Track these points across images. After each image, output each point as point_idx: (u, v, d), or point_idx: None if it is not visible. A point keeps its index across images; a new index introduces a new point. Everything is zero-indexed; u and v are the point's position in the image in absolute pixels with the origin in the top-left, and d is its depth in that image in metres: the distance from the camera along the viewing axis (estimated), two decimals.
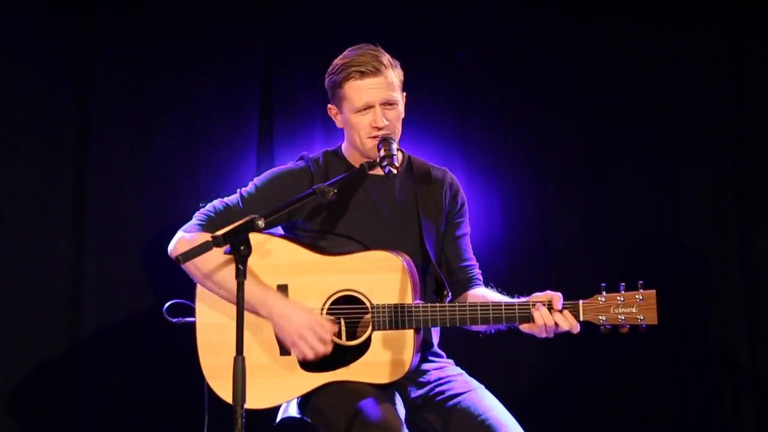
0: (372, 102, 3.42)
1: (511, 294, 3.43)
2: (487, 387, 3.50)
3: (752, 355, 4.73)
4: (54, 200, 4.59)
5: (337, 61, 3.49)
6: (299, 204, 3.24)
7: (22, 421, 4.52)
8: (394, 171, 3.34)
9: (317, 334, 3.29)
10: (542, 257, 4.80)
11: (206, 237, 3.29)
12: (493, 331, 3.49)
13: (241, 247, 2.89)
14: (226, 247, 2.90)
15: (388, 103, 3.43)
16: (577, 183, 4.84)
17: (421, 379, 3.50)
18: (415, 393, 3.48)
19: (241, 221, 2.92)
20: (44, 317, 4.55)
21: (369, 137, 3.44)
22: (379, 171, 3.42)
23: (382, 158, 3.36)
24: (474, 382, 3.51)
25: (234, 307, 2.95)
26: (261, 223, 2.90)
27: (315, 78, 4.71)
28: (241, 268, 2.88)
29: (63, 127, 4.62)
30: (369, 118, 3.43)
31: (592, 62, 4.84)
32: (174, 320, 3.67)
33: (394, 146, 3.39)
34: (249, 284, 3.23)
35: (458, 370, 3.59)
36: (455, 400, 3.42)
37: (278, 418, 3.56)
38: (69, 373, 4.57)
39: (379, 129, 3.42)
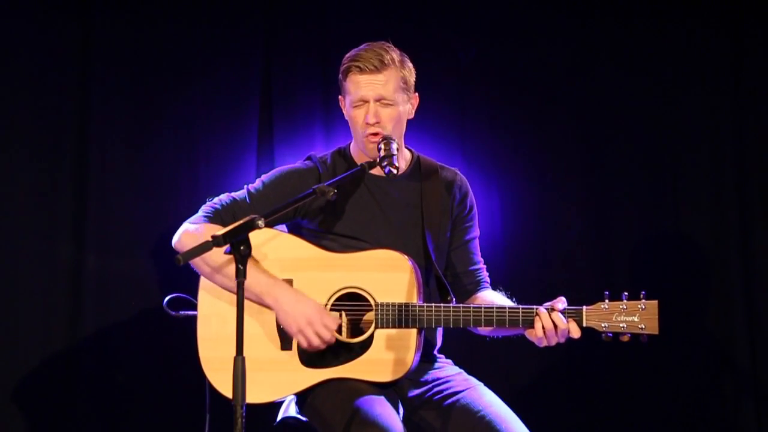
0: (366, 97, 3.44)
1: (519, 300, 3.43)
2: (487, 385, 3.49)
3: (752, 355, 4.73)
4: (54, 200, 4.59)
5: (347, 54, 3.51)
6: (300, 204, 3.25)
7: (22, 421, 4.51)
8: (394, 171, 3.34)
9: (323, 322, 3.30)
10: (542, 257, 4.80)
11: (211, 228, 3.33)
12: (500, 336, 3.50)
13: (241, 247, 2.88)
14: (226, 247, 2.90)
15: (384, 101, 3.44)
16: (577, 183, 4.84)
17: (419, 379, 3.49)
18: (413, 392, 3.48)
19: (240, 221, 2.92)
20: (44, 317, 4.55)
21: (365, 136, 3.46)
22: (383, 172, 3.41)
23: (382, 158, 3.36)
24: (473, 380, 3.51)
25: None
26: (261, 223, 2.89)
27: (315, 78, 4.73)
28: (241, 268, 2.88)
29: (63, 127, 4.62)
30: (363, 113, 3.45)
31: (592, 62, 4.83)
32: (174, 313, 3.66)
33: (394, 146, 3.39)
34: (256, 273, 3.29)
35: (457, 369, 3.59)
36: (454, 398, 3.41)
37: (278, 418, 3.56)
38: (69, 372, 4.57)
39: (369, 125, 3.43)
